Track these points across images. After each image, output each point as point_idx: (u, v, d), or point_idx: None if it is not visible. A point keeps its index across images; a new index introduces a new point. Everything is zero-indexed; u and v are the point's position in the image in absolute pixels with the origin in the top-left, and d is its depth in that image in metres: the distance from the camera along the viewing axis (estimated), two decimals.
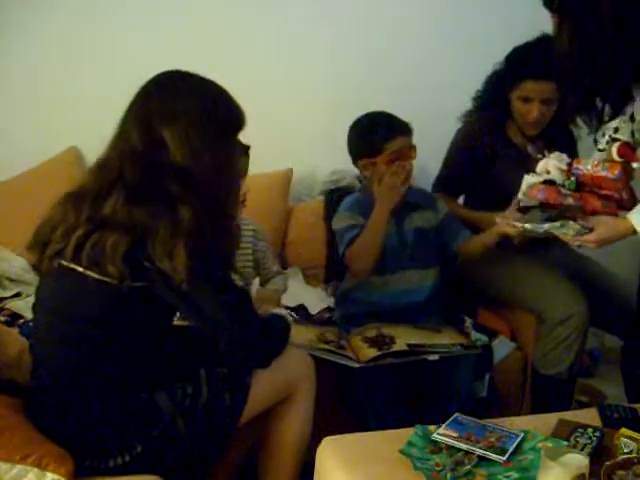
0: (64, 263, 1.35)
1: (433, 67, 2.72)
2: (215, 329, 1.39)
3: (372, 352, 1.76)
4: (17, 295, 2.01)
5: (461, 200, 2.38)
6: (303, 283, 2.36)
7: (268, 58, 2.56)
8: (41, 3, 2.37)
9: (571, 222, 1.70)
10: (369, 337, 1.86)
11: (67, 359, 1.36)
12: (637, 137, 1.71)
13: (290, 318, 1.91)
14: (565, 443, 1.37)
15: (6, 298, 1.98)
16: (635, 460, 1.28)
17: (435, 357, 1.79)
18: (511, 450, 1.35)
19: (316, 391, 1.59)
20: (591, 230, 1.68)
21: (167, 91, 1.40)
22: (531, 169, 1.82)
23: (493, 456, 1.33)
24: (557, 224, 1.71)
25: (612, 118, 1.67)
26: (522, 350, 2.14)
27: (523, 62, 2.06)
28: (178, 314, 1.50)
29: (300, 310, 2.12)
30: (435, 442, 1.38)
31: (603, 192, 1.73)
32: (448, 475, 1.28)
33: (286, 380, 1.53)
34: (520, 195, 1.83)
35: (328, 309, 2.15)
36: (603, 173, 1.70)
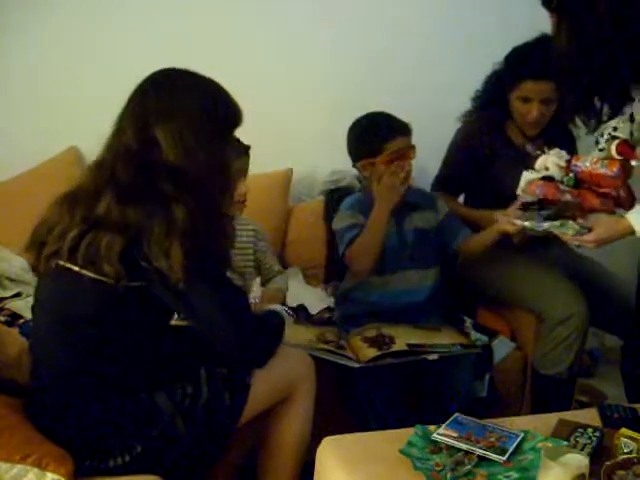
0: (61, 263, 1.35)
1: (433, 67, 2.72)
2: (211, 328, 1.39)
3: (372, 352, 1.76)
4: (17, 295, 2.01)
5: (461, 199, 2.38)
6: (303, 283, 2.35)
7: (268, 58, 2.56)
8: (41, 3, 2.36)
9: (571, 222, 1.71)
10: (369, 337, 1.86)
11: (66, 359, 1.36)
12: (636, 136, 1.71)
13: (285, 313, 1.91)
14: (565, 443, 1.37)
15: (6, 298, 1.98)
16: (635, 460, 1.28)
17: (435, 357, 1.79)
18: (511, 450, 1.35)
19: (316, 391, 1.59)
20: (590, 230, 1.69)
21: (164, 89, 1.39)
22: (530, 166, 1.83)
23: (493, 456, 1.33)
24: (557, 223, 1.72)
25: (611, 118, 1.68)
26: (522, 350, 2.14)
27: (522, 62, 2.06)
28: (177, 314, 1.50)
29: (300, 310, 2.12)
30: (435, 442, 1.38)
31: (601, 189, 1.73)
32: (448, 475, 1.28)
33: (286, 380, 1.53)
34: (519, 191, 1.83)
35: (328, 309, 2.15)
36: (602, 170, 1.70)
